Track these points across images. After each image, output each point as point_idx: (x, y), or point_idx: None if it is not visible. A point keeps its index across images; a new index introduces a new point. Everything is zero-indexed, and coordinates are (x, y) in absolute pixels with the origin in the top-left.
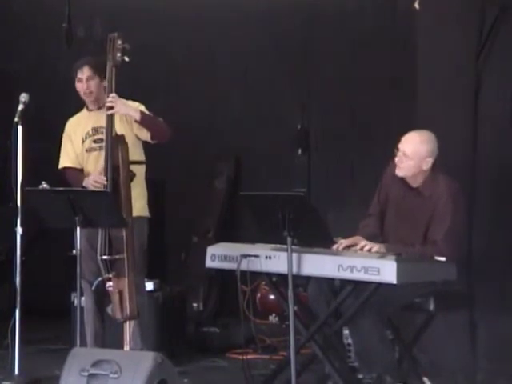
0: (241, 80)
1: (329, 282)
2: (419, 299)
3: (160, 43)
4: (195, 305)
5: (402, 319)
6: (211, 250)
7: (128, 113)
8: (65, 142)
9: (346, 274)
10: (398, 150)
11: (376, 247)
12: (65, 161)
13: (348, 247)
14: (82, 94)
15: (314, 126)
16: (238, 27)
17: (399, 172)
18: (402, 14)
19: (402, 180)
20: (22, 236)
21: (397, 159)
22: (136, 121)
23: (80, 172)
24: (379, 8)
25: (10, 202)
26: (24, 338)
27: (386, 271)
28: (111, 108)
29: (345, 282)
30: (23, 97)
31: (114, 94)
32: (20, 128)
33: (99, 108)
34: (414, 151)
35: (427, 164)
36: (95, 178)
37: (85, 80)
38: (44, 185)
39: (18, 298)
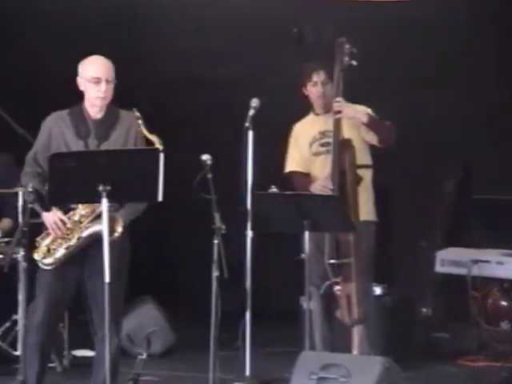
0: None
1: None
2: None
3: (376, 47)
4: (424, 310)
5: None
6: (441, 254)
7: (355, 115)
8: (292, 146)
9: None
10: None
11: None
12: (291, 165)
13: None
14: (314, 96)
15: None
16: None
17: None
18: None
19: None
20: (252, 239)
21: None
22: (363, 123)
23: (307, 176)
24: None
25: (240, 205)
26: (254, 340)
27: None
28: (339, 112)
29: None
30: (254, 102)
31: (339, 98)
32: (251, 133)
33: (326, 112)
34: None
35: None
36: (322, 183)
37: (320, 84)
38: (273, 189)
39: (249, 301)
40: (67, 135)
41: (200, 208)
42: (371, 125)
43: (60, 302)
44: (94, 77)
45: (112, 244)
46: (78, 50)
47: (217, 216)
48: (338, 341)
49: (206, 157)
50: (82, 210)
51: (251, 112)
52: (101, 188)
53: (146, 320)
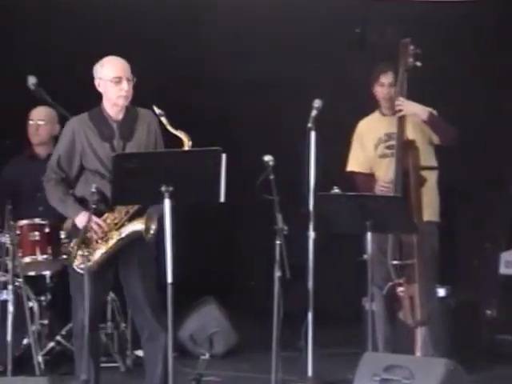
0: None
1: None
2: None
3: (437, 46)
4: (488, 311)
5: None
6: (505, 256)
7: (415, 112)
8: (355, 145)
9: None
10: None
11: None
12: (353, 165)
13: None
14: (380, 97)
15: None
16: None
17: None
18: None
19: None
20: (314, 240)
21: None
22: (423, 120)
23: (369, 177)
24: None
25: (302, 206)
26: (317, 341)
27: None
28: (400, 111)
29: None
30: (316, 103)
31: (401, 98)
32: (313, 133)
33: (393, 113)
34: None
35: None
36: (382, 183)
37: (387, 85)
38: (336, 189)
39: (311, 302)
40: (91, 138)
41: (262, 209)
42: (431, 122)
43: (99, 303)
44: (115, 76)
45: (144, 242)
46: (138, 49)
47: (279, 217)
48: (400, 342)
49: (268, 158)
50: (115, 212)
51: (314, 113)
52: (163, 189)
53: (209, 320)
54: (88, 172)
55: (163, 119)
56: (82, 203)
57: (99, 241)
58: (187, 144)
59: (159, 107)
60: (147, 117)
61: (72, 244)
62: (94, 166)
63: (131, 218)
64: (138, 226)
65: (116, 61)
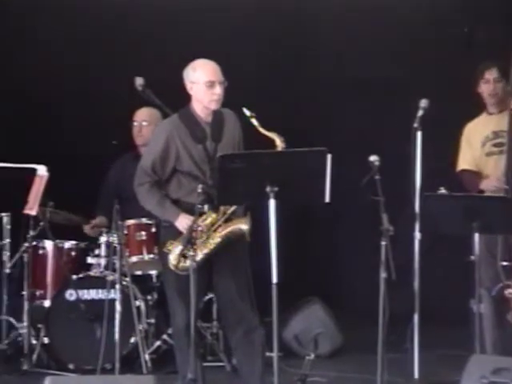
0: None
1: None
2: None
3: None
4: None
5: None
6: None
7: None
8: (463, 146)
9: None
10: None
11: None
12: (462, 163)
13: None
14: (485, 94)
15: None
16: None
17: None
18: None
19: None
20: (420, 241)
21: None
22: None
23: (477, 175)
24: None
25: (408, 207)
26: (423, 343)
27: None
28: None
29: None
30: (423, 102)
31: None
32: (419, 133)
33: (500, 111)
34: None
35: None
36: (494, 183)
37: (492, 81)
38: (442, 190)
39: (417, 303)
40: (186, 140)
41: (367, 209)
42: None
43: (196, 304)
44: (209, 80)
45: (237, 241)
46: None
47: (384, 217)
48: (509, 345)
49: (374, 158)
50: (212, 213)
51: (420, 113)
52: (268, 189)
53: (314, 321)
54: (180, 174)
55: (254, 121)
56: (176, 205)
57: (198, 242)
58: (280, 145)
59: (250, 109)
60: (231, 117)
61: (167, 245)
62: (189, 168)
63: (227, 220)
64: (241, 225)
65: (209, 65)
